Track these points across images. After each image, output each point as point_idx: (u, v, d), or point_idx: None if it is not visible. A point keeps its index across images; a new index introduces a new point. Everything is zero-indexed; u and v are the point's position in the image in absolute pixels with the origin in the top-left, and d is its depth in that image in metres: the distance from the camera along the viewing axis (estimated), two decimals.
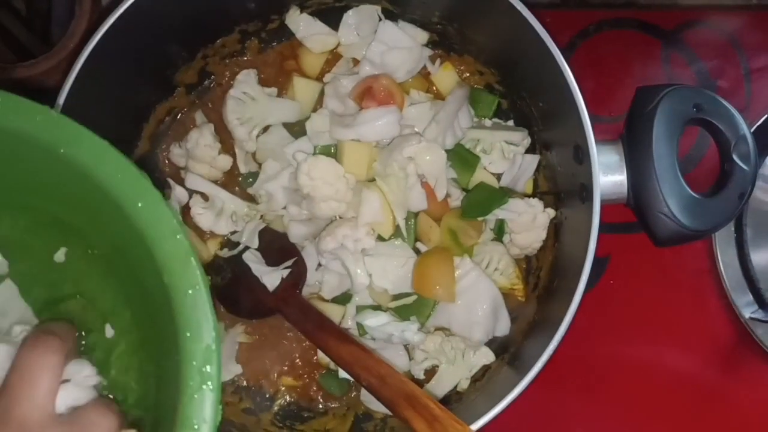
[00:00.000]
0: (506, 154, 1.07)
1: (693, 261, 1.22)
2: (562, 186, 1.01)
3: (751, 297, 1.16)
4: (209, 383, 0.57)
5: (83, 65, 0.89)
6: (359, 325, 1.02)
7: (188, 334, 0.57)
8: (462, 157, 1.05)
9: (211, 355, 0.57)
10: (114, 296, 0.70)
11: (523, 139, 1.06)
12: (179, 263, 0.58)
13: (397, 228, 1.01)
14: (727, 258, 1.18)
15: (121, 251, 0.66)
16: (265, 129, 1.09)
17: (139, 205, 0.59)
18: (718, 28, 1.26)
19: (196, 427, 0.56)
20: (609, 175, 0.89)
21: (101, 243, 0.69)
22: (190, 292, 0.58)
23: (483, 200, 1.03)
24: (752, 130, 0.88)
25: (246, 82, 1.07)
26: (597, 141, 0.88)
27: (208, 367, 0.57)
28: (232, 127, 1.06)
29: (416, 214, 1.03)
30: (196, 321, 0.58)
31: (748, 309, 1.16)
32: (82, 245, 0.70)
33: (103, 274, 0.70)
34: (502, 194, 1.03)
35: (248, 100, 1.07)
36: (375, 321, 1.00)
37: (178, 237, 0.59)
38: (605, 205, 0.89)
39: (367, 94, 1.04)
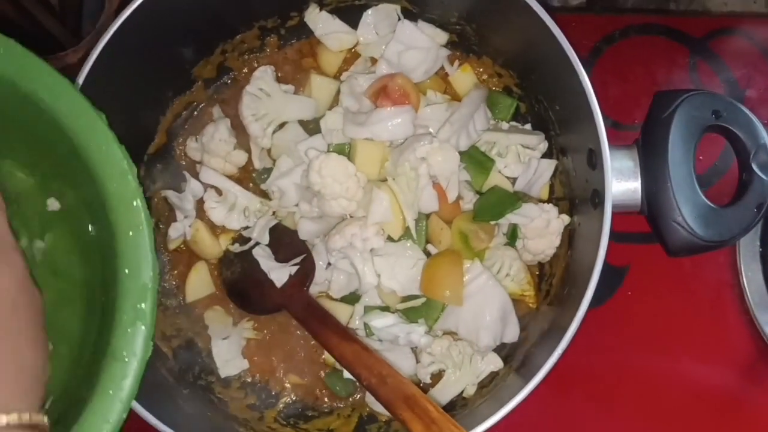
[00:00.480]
0: (522, 158, 1.05)
1: (715, 274, 1.19)
2: (577, 192, 0.99)
3: None
4: (143, 319, 0.60)
5: (98, 57, 0.89)
6: (366, 326, 1.01)
7: (127, 271, 0.60)
8: (476, 160, 1.03)
9: (147, 293, 0.60)
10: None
11: (539, 143, 1.04)
12: (125, 203, 0.60)
13: (407, 229, 0.99)
14: (752, 272, 1.15)
15: (73, 185, 0.68)
16: (281, 126, 1.08)
17: (92, 143, 0.61)
18: (748, 36, 1.23)
19: (126, 359, 0.60)
20: (622, 181, 0.87)
21: (52, 173, 0.72)
22: (131, 233, 0.60)
23: (496, 204, 1.02)
24: None
25: (262, 78, 1.07)
26: (611, 146, 0.86)
27: (143, 305, 0.60)
28: (247, 123, 1.06)
29: (427, 216, 1.02)
30: (136, 259, 0.60)
31: None
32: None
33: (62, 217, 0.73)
34: (515, 198, 1.01)
35: (264, 96, 1.07)
36: (382, 322, 0.99)
37: (128, 178, 0.61)
38: (619, 213, 0.87)
39: (382, 92, 1.03)
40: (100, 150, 0.61)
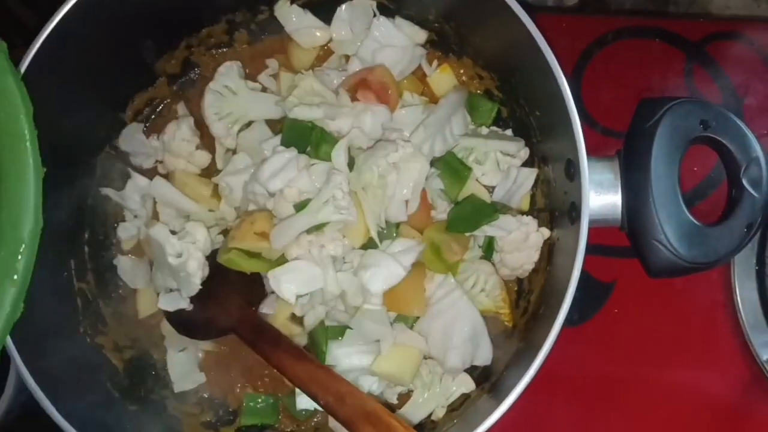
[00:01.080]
0: (501, 166, 0.98)
1: (708, 292, 1.12)
2: (556, 204, 0.93)
3: None
4: (14, 276, 0.56)
5: (41, 47, 0.83)
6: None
7: (4, 220, 0.56)
8: (452, 168, 0.97)
9: (23, 249, 0.56)
10: None
11: (519, 149, 0.98)
12: (12, 145, 0.56)
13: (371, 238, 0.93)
14: (746, 292, 1.09)
15: None
16: (248, 125, 1.02)
17: None
18: (748, 41, 1.17)
19: None
20: (601, 194, 0.81)
21: None
22: (15, 178, 0.56)
23: (471, 214, 0.95)
24: None
25: (228, 75, 1.01)
26: (590, 157, 0.80)
27: (17, 259, 0.56)
28: (210, 122, 1.00)
29: (397, 225, 0.95)
30: (16, 209, 0.56)
31: (766, 350, 1.07)
32: None
33: None
34: (492, 209, 0.95)
35: (229, 94, 1.01)
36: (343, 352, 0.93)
37: (20, 117, 0.56)
38: (597, 228, 0.81)
39: (362, 86, 0.98)
40: None
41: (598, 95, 1.17)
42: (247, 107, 1.01)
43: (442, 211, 0.97)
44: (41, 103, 0.74)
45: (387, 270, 0.90)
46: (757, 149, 0.77)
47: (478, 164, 0.99)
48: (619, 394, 1.11)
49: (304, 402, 0.93)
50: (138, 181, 1.01)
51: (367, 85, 0.97)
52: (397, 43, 1.01)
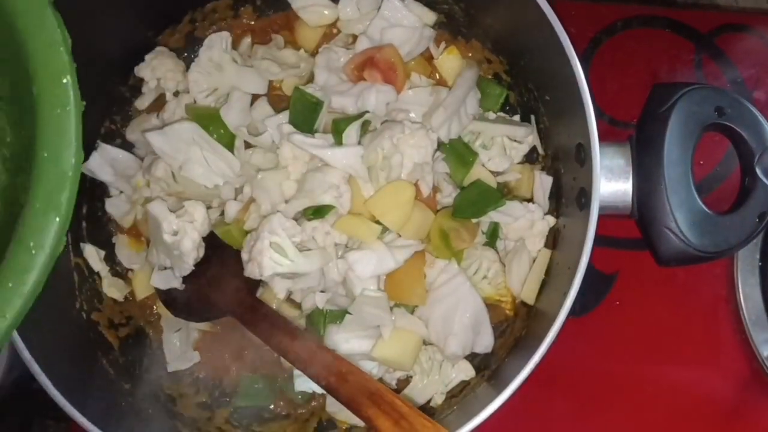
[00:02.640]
0: (508, 151, 0.97)
1: (710, 287, 1.11)
2: (564, 190, 0.91)
3: None
4: (57, 210, 0.54)
5: None
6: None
7: (46, 155, 0.54)
8: (458, 153, 0.95)
9: (66, 182, 0.55)
10: None
11: (527, 135, 0.96)
12: (52, 78, 0.54)
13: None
14: (749, 288, 1.08)
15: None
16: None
17: (19, 4, 0.54)
18: (758, 34, 1.15)
19: (33, 251, 0.55)
20: (612, 180, 0.79)
21: None
22: (56, 112, 0.54)
23: (478, 200, 0.93)
24: None
25: (214, 47, 0.98)
26: (602, 142, 0.78)
27: (60, 195, 0.54)
28: (198, 101, 0.97)
29: None
30: (57, 142, 0.54)
31: (766, 346, 1.06)
32: None
33: None
34: (499, 194, 0.93)
35: (214, 70, 0.97)
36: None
37: (59, 50, 0.54)
38: (606, 216, 0.79)
39: (369, 64, 0.96)
40: (30, 14, 0.54)
41: (605, 84, 1.16)
42: (233, 81, 0.98)
43: (447, 195, 0.95)
44: None
45: (378, 258, 0.89)
46: None
47: (484, 149, 0.97)
48: (619, 387, 1.10)
49: (302, 384, 0.92)
50: (108, 152, 0.96)
51: (374, 64, 0.96)
52: (406, 23, 0.99)
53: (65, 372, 0.81)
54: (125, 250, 1.01)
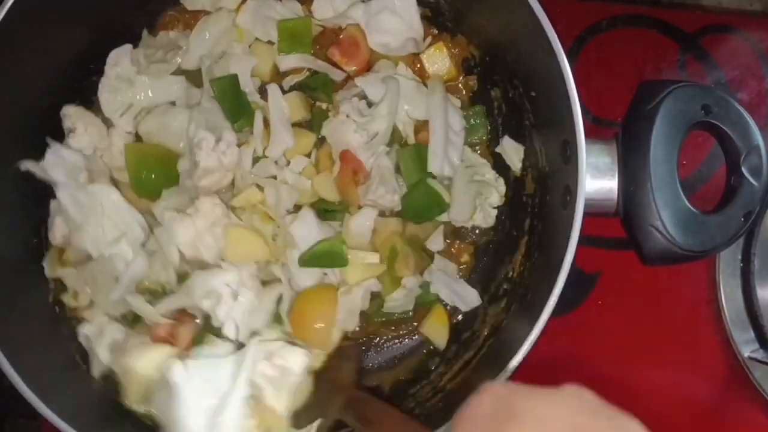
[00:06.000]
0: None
1: (692, 288, 1.11)
2: (548, 188, 0.91)
3: (752, 334, 1.06)
4: None
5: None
6: None
7: None
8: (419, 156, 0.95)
9: None
10: None
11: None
12: None
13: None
14: (730, 289, 1.09)
15: None
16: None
17: None
18: (743, 36, 1.15)
19: None
20: (597, 178, 0.79)
21: None
22: None
23: (425, 203, 0.94)
24: None
25: (118, 64, 0.93)
26: (587, 139, 0.77)
27: None
28: (115, 122, 0.93)
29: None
30: None
31: (747, 347, 1.07)
32: None
33: None
34: (445, 202, 0.93)
35: (124, 85, 0.93)
36: None
37: None
38: (591, 215, 0.79)
39: (333, 43, 0.98)
40: None
41: (589, 83, 1.15)
42: (147, 92, 0.94)
43: (390, 190, 0.93)
44: None
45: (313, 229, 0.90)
46: (758, 137, 0.76)
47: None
48: (599, 387, 1.07)
49: None
50: (61, 152, 0.89)
51: (338, 43, 0.97)
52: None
53: (35, 368, 0.79)
54: None
